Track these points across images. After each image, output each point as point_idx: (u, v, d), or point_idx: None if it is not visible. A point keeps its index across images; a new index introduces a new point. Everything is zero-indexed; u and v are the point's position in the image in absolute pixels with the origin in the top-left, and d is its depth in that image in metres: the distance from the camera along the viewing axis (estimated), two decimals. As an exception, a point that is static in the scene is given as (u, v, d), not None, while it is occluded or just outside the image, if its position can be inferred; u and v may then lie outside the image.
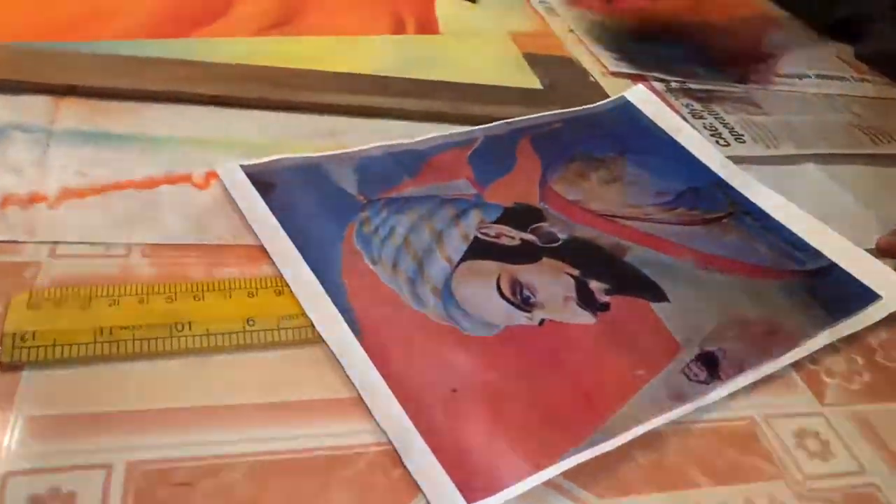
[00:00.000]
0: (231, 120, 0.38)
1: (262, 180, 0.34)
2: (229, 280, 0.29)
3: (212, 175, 0.34)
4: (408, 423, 0.25)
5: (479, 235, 0.34)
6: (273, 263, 0.30)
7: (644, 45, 0.55)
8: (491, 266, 0.32)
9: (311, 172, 0.35)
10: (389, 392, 0.26)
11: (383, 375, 0.26)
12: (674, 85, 0.50)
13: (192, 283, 0.28)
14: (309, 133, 0.39)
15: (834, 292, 0.35)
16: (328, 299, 0.29)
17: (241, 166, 0.34)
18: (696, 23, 0.60)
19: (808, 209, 0.40)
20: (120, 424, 0.24)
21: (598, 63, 0.51)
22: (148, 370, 0.26)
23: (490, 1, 0.57)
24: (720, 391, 0.29)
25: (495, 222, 0.35)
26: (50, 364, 0.25)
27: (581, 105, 0.45)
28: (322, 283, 0.29)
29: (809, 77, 0.56)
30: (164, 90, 0.38)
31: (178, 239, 0.31)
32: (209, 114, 0.38)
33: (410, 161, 0.38)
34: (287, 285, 0.29)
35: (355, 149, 0.38)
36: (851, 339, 0.33)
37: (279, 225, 0.32)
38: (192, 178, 0.34)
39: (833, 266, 0.37)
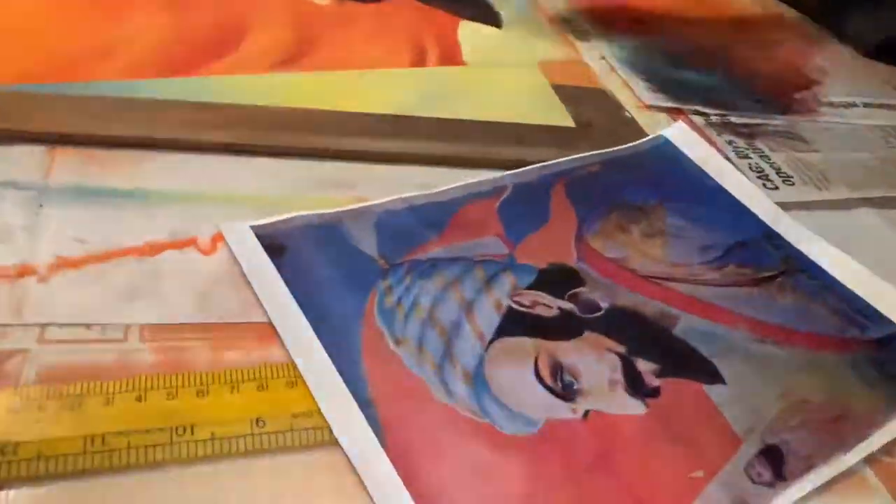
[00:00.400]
0: (240, 170, 0.35)
1: (274, 243, 0.31)
2: (237, 370, 0.25)
3: (218, 237, 0.31)
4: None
5: (513, 305, 0.31)
6: (285, 345, 0.27)
7: (680, 72, 0.51)
8: (527, 344, 0.29)
9: (327, 232, 0.32)
10: (418, 512, 0.23)
11: (409, 491, 0.23)
12: (714, 119, 0.47)
13: (196, 375, 0.25)
14: (325, 183, 0.35)
15: (904, 365, 0.32)
16: (347, 394, 0.25)
17: (251, 227, 0.31)
18: (732, 46, 0.57)
19: (865, 262, 0.36)
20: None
21: (632, 95, 0.47)
22: (144, 482, 0.23)
23: (515, 24, 0.53)
24: (787, 496, 0.26)
25: (529, 287, 0.32)
26: (34, 480, 0.22)
27: (617, 145, 0.42)
28: (340, 372, 0.26)
29: (857, 106, 0.52)
30: (167, 137, 0.35)
31: (182, 318, 0.27)
32: (216, 163, 0.35)
33: (436, 216, 0.35)
34: (301, 375, 0.26)
35: (375, 202, 0.34)
36: (928, 424, 0.30)
37: (291, 297, 0.29)
38: (197, 242, 0.31)
39: (900, 333, 0.33)
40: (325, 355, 0.26)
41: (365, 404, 0.25)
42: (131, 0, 0.44)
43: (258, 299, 0.28)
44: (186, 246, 0.30)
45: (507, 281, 0.32)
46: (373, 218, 0.33)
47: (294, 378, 0.26)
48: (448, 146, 0.39)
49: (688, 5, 0.61)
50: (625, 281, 0.33)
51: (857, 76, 0.56)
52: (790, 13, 0.65)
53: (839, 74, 0.56)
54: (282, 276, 0.29)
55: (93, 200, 0.32)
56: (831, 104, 0.52)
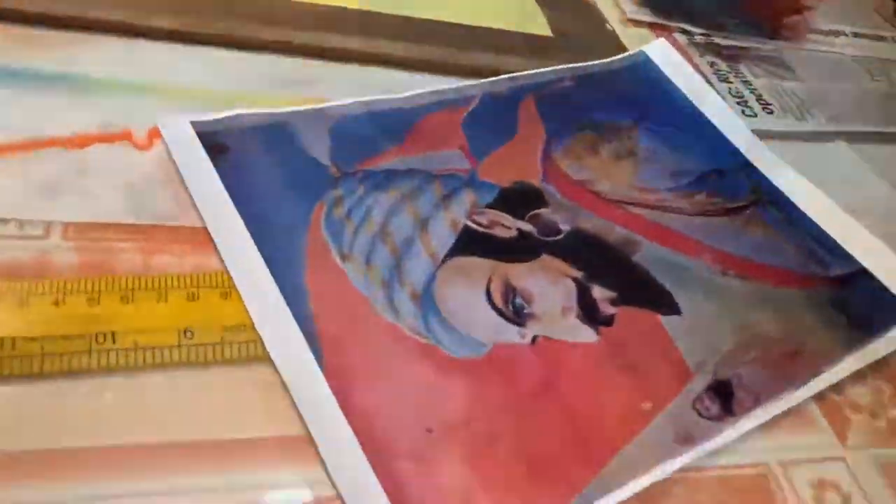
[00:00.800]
0: (187, 60, 0.32)
1: (215, 141, 0.28)
2: (166, 276, 0.24)
3: (155, 133, 0.28)
4: (369, 477, 0.21)
5: (470, 224, 0.29)
6: (220, 253, 0.25)
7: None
8: (481, 265, 0.27)
9: (276, 133, 0.30)
10: (351, 434, 0.22)
11: (345, 412, 0.22)
12: (698, 38, 0.44)
13: (121, 280, 0.23)
14: (280, 80, 0.32)
15: (862, 305, 0.31)
16: (284, 308, 0.24)
17: (192, 123, 0.29)
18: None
19: (837, 198, 0.35)
20: (15, 467, 0.19)
21: (615, 6, 0.45)
22: (59, 392, 0.21)
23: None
24: (732, 431, 0.25)
25: (490, 206, 0.30)
26: (-65, 383, 0.20)
27: (595, 59, 0.39)
28: (279, 285, 0.24)
29: (846, 35, 0.49)
30: (106, 19, 0.32)
31: (110, 216, 0.25)
32: (160, 51, 0.32)
33: (396, 123, 0.32)
34: (235, 286, 0.24)
35: (332, 104, 0.32)
36: (881, 365, 0.30)
37: (230, 201, 0.26)
38: (132, 136, 0.28)
39: (862, 272, 0.32)
40: (264, 265, 0.24)
41: (303, 320, 0.23)
42: None
43: (194, 202, 0.26)
44: (119, 140, 0.28)
45: (466, 198, 0.30)
46: (328, 121, 0.31)
47: (228, 289, 0.24)
48: (416, 48, 0.36)
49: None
50: (589, 204, 0.31)
51: (848, 2, 0.53)
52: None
53: (831, 0, 0.53)
54: (221, 177, 0.27)
55: (16, 83, 0.28)
56: (820, 31, 0.49)
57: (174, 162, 0.27)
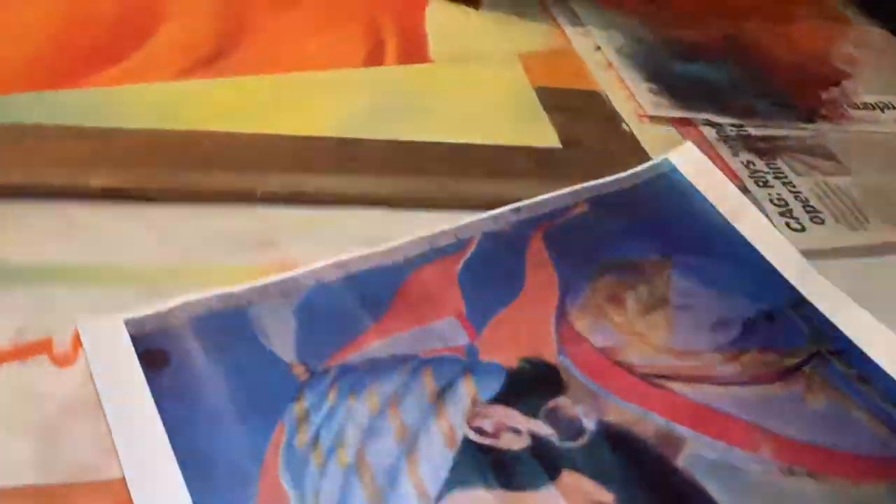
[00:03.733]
0: (127, 225, 0.26)
1: (153, 349, 0.22)
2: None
3: (80, 342, 0.23)
4: None
5: (471, 435, 0.23)
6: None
7: (687, 66, 0.42)
8: (486, 501, 0.21)
9: (230, 325, 0.23)
10: None
11: None
12: (729, 130, 0.38)
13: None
14: (238, 241, 0.26)
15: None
16: None
17: (126, 322, 0.23)
18: (745, 28, 0.47)
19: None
20: None
21: (631, 98, 0.38)
22: None
23: (495, 3, 0.43)
24: None
25: (495, 400, 0.24)
26: None
27: (612, 171, 0.33)
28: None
29: (893, 108, 0.43)
30: (33, 182, 0.26)
31: (11, 477, 0.19)
32: (96, 216, 0.26)
33: (378, 288, 0.26)
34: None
35: (300, 272, 0.26)
36: None
37: (166, 440, 0.20)
38: (52, 348, 0.22)
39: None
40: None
41: None
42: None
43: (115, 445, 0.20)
44: (35, 353, 0.22)
45: (464, 392, 0.23)
46: (295, 297, 0.25)
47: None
48: (403, 182, 0.30)
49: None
50: (617, 384, 0.25)
51: (894, 66, 0.47)
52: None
53: (871, 64, 0.46)
54: (157, 401, 0.21)
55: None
56: (863, 105, 0.43)
57: (97, 387, 0.21)
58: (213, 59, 0.33)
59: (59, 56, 0.31)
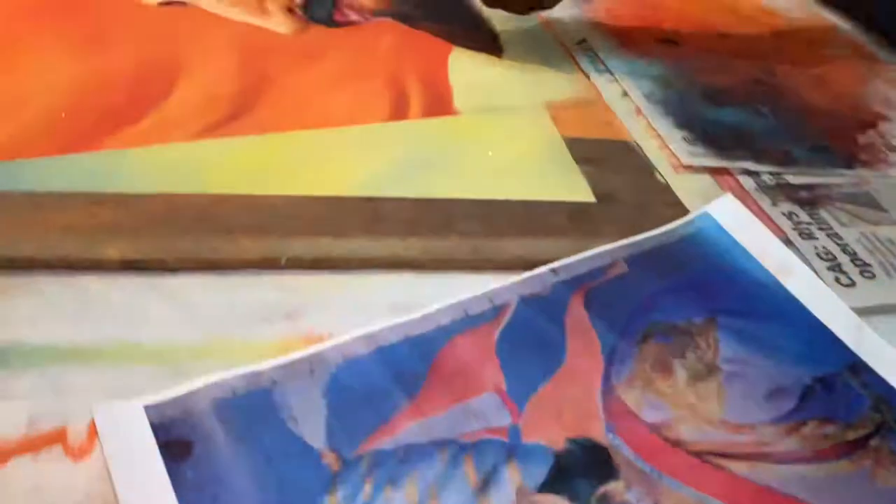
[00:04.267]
0: (145, 299, 0.24)
1: (175, 437, 0.21)
2: None
3: (96, 431, 0.21)
4: None
5: (518, 529, 0.21)
6: None
7: (720, 111, 0.41)
8: None
9: (253, 406, 0.22)
10: None
11: None
12: (767, 180, 0.36)
13: None
14: (259, 314, 0.25)
15: None
16: None
17: (146, 409, 0.21)
18: (778, 70, 0.46)
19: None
20: None
21: (663, 146, 0.37)
22: None
23: (518, 49, 0.42)
24: None
25: (543, 487, 0.22)
26: None
27: (648, 226, 0.31)
28: None
29: (934, 151, 0.41)
30: (46, 256, 0.25)
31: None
32: (111, 290, 0.24)
33: (412, 361, 0.24)
34: None
35: (327, 345, 0.24)
36: None
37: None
38: (66, 439, 0.21)
39: None
40: None
41: None
42: (21, 39, 0.33)
43: (138, 553, 0.19)
44: (48, 445, 0.20)
45: (509, 480, 0.22)
46: (323, 375, 0.23)
47: None
48: (432, 243, 0.29)
49: (722, 18, 0.50)
50: (672, 465, 0.23)
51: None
52: (842, 24, 0.53)
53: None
54: (181, 498, 0.19)
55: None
56: (901, 147, 0.41)
57: (114, 481, 0.20)
58: (233, 116, 0.32)
59: (75, 118, 0.30)
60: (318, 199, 0.29)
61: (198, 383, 0.22)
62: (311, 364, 0.23)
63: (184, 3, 0.39)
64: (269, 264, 0.26)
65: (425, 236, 0.29)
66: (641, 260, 0.30)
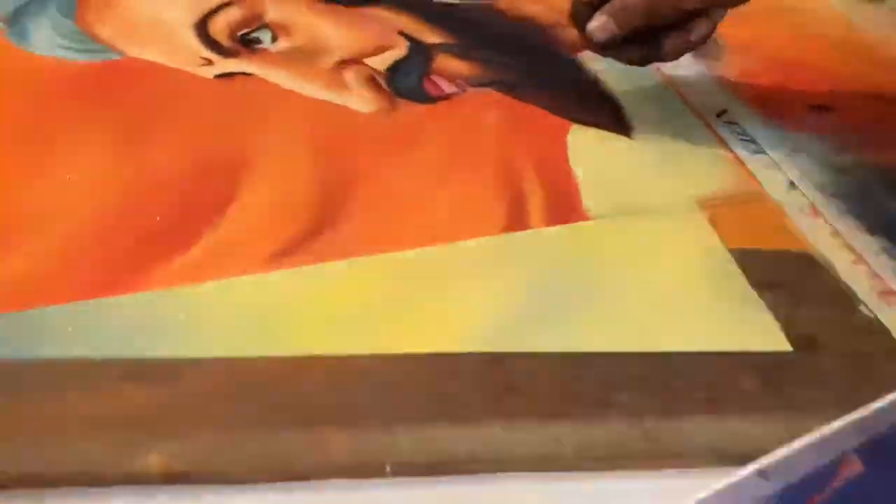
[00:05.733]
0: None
1: None
2: None
3: None
4: None
5: None
6: None
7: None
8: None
9: None
10: None
11: None
12: None
13: None
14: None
15: None
16: None
17: None
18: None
19: None
20: None
21: (859, 262, 0.28)
22: None
23: (649, 126, 0.34)
24: None
25: None
26: None
27: (872, 392, 0.23)
28: None
29: None
30: (66, 471, 0.18)
31: None
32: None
33: None
34: None
35: None
36: None
37: None
38: None
39: None
40: None
41: None
42: (46, 135, 0.26)
43: None
44: None
45: None
46: None
47: None
48: (580, 430, 0.20)
49: (883, 75, 0.41)
50: None
51: None
52: None
53: None
54: None
55: None
56: None
57: None
58: (311, 232, 0.24)
59: (107, 245, 0.22)
60: (424, 358, 0.21)
61: None
62: None
63: (247, 74, 0.32)
64: (366, 472, 0.19)
65: (570, 418, 0.20)
66: (881, 449, 0.21)
